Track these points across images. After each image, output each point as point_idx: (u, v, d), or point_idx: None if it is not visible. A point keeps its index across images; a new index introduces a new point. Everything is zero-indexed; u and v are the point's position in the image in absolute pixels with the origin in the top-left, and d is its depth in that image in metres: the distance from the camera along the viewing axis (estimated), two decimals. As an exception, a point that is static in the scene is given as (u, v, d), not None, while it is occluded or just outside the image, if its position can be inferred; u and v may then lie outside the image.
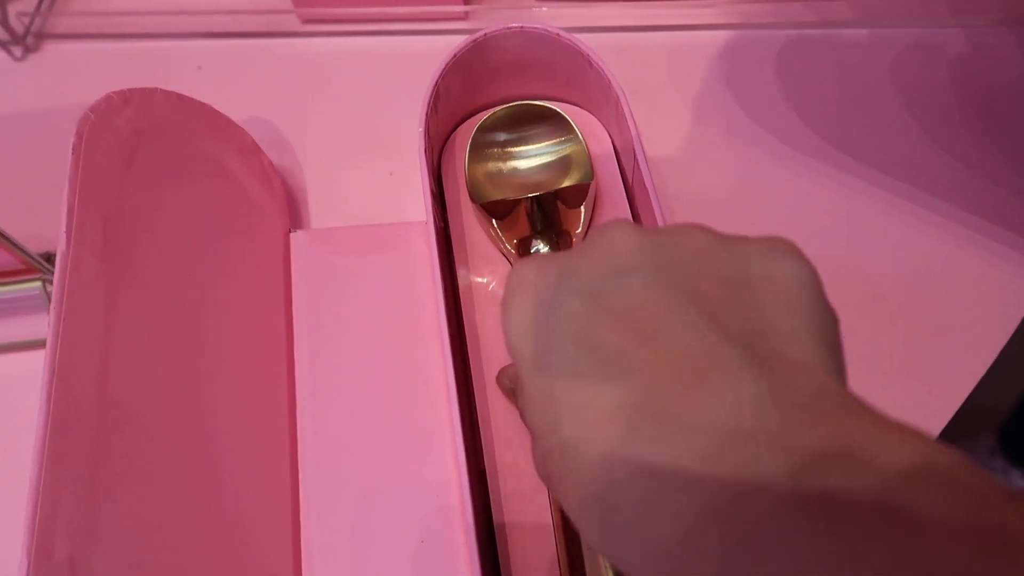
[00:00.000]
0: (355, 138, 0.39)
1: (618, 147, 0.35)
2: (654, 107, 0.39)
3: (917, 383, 0.33)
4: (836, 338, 0.18)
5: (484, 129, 0.35)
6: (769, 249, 0.19)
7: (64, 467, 0.23)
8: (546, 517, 0.28)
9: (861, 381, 0.19)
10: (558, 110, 0.35)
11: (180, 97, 0.32)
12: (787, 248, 0.19)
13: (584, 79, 0.35)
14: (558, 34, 0.33)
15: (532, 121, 0.35)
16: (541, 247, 0.32)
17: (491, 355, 0.31)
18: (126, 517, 0.25)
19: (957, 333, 0.34)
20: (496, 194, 0.34)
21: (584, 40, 0.33)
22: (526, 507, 0.28)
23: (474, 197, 0.34)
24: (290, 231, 0.35)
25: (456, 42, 0.34)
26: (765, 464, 0.14)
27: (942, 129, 0.38)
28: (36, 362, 0.27)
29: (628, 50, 0.40)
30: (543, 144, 0.35)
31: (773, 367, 0.16)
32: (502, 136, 0.35)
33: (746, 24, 0.40)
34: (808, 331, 0.17)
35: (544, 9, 0.41)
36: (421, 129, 0.31)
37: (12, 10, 0.43)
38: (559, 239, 0.32)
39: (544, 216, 0.33)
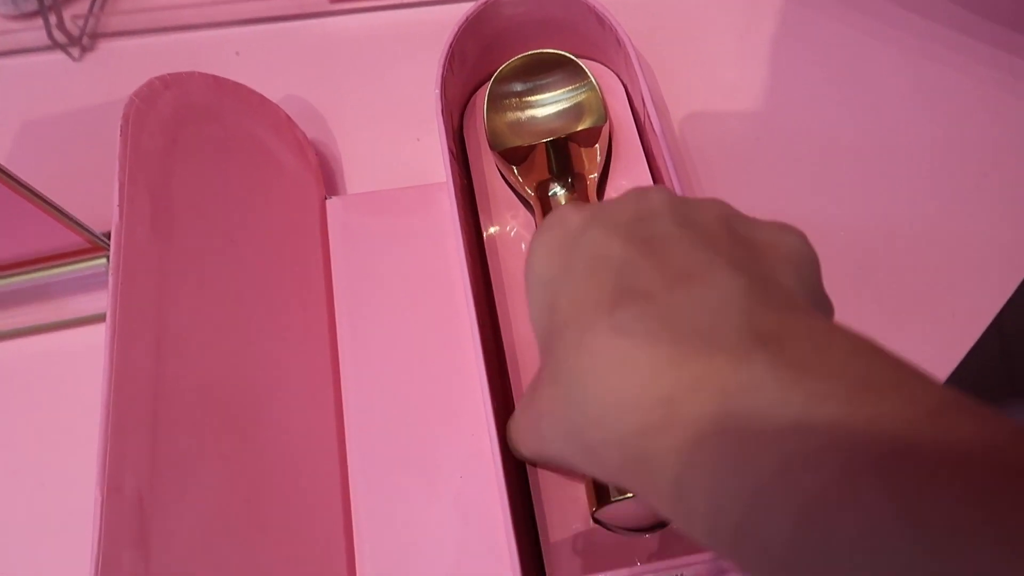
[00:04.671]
0: (383, 107, 0.41)
1: (631, 95, 0.36)
2: (671, 55, 0.40)
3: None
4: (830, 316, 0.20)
5: (501, 79, 0.37)
6: (779, 227, 0.21)
7: (128, 414, 0.26)
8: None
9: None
10: (571, 57, 0.36)
11: (216, 79, 0.34)
12: (796, 231, 0.21)
13: (596, 34, 0.36)
14: (565, -10, 0.34)
15: (547, 69, 0.37)
16: (558, 190, 0.34)
17: (516, 297, 0.33)
18: (184, 459, 0.27)
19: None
20: (514, 141, 0.35)
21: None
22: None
23: (493, 145, 0.36)
24: (326, 198, 0.37)
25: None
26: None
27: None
28: (102, 335, 0.30)
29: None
30: (558, 91, 0.37)
31: (769, 287, 0.18)
32: (518, 85, 0.37)
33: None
34: (804, 292, 0.19)
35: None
36: (438, 91, 0.33)
37: (67, 15, 0.47)
38: (574, 181, 0.34)
39: (560, 160, 0.34)
